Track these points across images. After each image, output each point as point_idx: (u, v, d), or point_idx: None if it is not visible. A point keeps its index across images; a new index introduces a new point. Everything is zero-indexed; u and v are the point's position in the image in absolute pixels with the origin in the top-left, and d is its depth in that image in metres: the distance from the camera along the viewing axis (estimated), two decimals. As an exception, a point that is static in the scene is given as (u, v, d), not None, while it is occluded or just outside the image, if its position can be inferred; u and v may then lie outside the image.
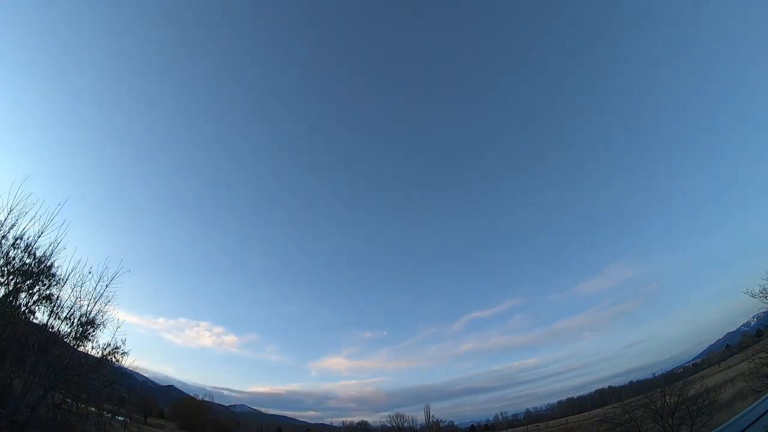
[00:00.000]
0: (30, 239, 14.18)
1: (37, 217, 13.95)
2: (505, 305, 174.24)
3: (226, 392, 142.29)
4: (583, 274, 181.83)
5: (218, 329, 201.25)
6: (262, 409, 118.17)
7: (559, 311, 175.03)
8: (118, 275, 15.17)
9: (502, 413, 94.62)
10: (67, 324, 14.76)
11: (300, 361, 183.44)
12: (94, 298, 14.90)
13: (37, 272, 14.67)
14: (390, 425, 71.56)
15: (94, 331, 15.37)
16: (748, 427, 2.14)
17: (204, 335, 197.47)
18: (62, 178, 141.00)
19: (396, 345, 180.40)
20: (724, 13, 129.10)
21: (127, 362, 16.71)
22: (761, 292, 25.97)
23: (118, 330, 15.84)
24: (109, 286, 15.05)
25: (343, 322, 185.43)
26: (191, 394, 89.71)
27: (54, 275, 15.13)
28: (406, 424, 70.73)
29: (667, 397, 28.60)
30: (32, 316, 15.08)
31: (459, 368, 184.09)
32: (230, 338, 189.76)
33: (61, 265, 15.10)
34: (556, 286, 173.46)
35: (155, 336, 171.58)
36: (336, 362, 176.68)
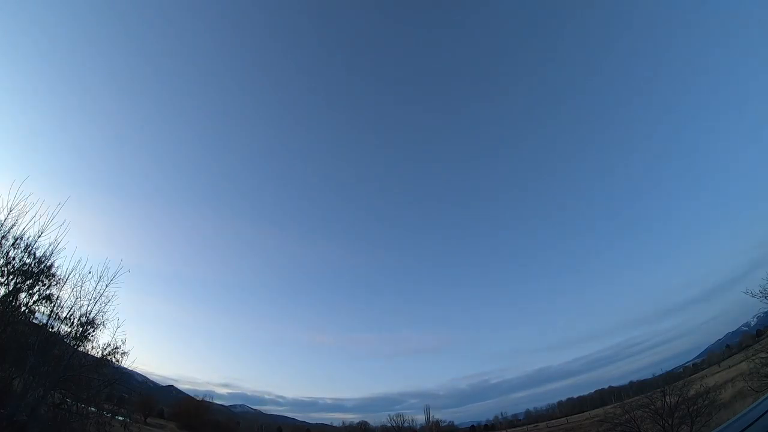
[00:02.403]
0: (30, 239, 14.18)
1: (37, 217, 13.93)
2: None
3: (321, 400, 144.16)
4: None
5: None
6: (262, 409, 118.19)
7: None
8: (118, 275, 15.24)
9: (501, 413, 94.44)
10: (67, 324, 14.79)
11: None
12: (94, 298, 14.94)
13: (37, 272, 14.67)
14: (390, 425, 71.58)
15: (94, 331, 15.42)
16: (748, 427, 2.14)
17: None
18: (62, 178, 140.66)
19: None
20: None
21: (127, 362, 16.79)
22: (761, 292, 25.89)
23: (118, 330, 15.93)
24: (109, 286, 15.10)
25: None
26: (190, 395, 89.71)
27: (54, 275, 15.17)
28: (406, 424, 70.75)
29: (667, 397, 28.56)
30: (32, 316, 15.13)
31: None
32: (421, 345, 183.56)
33: (61, 265, 15.14)
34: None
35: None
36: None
